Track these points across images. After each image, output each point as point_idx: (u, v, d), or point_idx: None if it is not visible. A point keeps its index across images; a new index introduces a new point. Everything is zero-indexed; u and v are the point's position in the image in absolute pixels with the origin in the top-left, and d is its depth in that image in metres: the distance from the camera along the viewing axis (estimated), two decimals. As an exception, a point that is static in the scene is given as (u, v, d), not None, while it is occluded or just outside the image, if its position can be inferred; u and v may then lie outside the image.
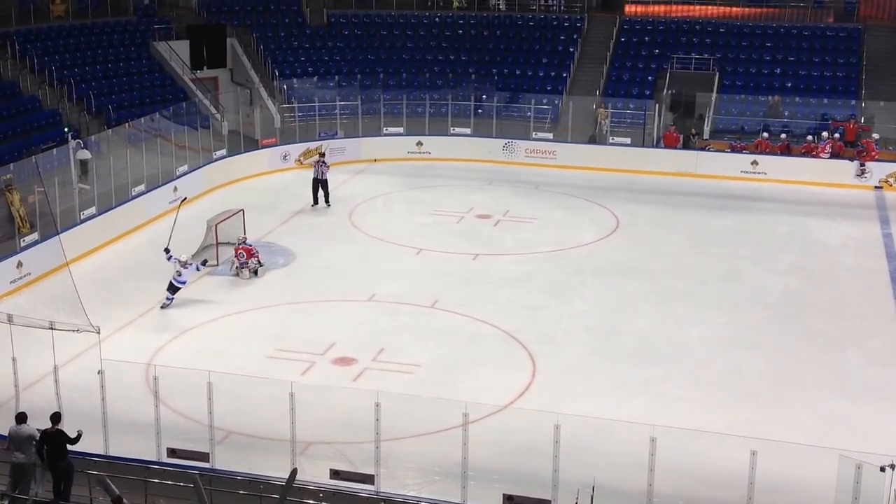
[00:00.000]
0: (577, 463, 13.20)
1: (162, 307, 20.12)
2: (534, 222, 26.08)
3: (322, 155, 27.16)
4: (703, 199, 28.05)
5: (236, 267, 21.86)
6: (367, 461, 13.61)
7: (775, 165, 29.69)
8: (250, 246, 22.13)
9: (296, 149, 31.21)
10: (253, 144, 31.11)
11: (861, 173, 28.92)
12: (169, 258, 20.54)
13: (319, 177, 26.71)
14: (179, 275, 20.27)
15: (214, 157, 29.25)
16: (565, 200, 28.07)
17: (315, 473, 13.69)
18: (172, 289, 20.27)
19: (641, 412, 15.38)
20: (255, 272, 21.92)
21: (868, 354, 18.22)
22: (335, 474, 13.42)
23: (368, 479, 13.41)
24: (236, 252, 21.98)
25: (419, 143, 32.20)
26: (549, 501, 12.89)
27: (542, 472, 13.09)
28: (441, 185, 29.62)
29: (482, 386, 16.79)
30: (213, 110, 32.15)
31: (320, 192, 26.79)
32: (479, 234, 25.28)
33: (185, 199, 23.56)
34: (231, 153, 29.96)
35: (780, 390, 16.79)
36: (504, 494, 13.01)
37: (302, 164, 30.98)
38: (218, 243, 22.53)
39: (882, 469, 11.56)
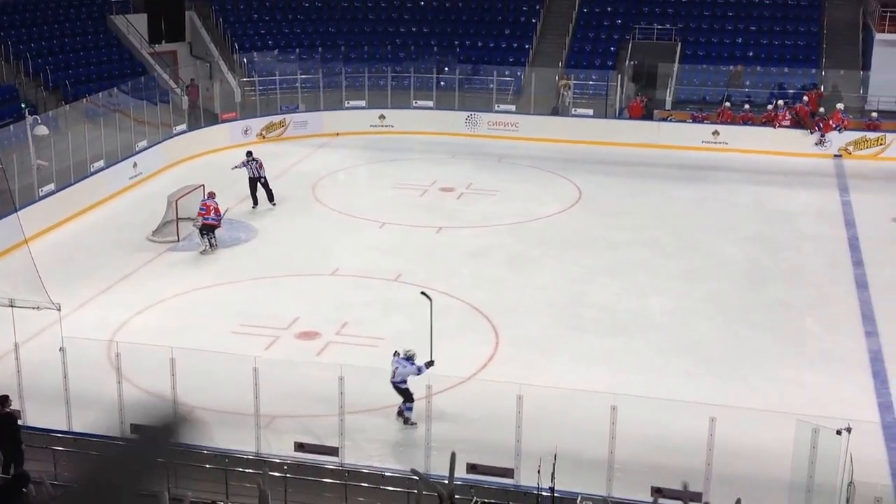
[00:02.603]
0: (539, 432, 13.30)
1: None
2: (497, 195, 26.12)
3: (250, 154, 24.89)
4: (665, 169, 28.22)
5: (197, 225, 21.61)
6: (331, 434, 13.66)
7: (736, 135, 29.91)
8: (218, 204, 21.94)
9: (257, 123, 30.98)
10: (213, 119, 30.83)
11: (820, 142, 29.20)
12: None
13: (254, 175, 24.45)
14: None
15: (174, 132, 28.97)
16: (528, 173, 28.12)
17: (280, 447, 13.73)
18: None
19: (603, 382, 15.54)
20: (212, 245, 21.79)
21: (826, 321, 18.49)
22: (300, 447, 13.45)
23: (333, 451, 13.45)
24: (202, 206, 21.74)
25: (381, 117, 32.07)
26: (512, 470, 13.00)
27: (505, 441, 13.21)
28: (404, 158, 29.55)
29: (446, 358, 16.77)
30: (173, 84, 31.79)
31: (260, 192, 24.51)
32: (443, 207, 25.28)
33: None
34: (191, 128, 29.67)
35: (739, 358, 17.01)
36: (468, 464, 13.08)
37: (265, 138, 30.77)
38: (178, 219, 22.35)
39: (838, 433, 11.77)
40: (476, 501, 12.11)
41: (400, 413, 14.85)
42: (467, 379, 16.09)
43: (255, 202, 24.59)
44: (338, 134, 31.57)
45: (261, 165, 24.54)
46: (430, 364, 14.75)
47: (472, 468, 13.03)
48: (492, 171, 28.19)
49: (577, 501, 12.05)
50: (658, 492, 12.52)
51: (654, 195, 26.03)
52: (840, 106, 29.98)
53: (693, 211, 24.80)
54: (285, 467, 13.07)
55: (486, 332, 18.02)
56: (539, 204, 25.27)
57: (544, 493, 12.03)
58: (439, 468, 13.36)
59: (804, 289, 20.00)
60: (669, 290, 19.94)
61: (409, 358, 14.90)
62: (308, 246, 22.38)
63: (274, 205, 24.66)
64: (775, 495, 12.68)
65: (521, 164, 28.77)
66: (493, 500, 12.40)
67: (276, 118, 31.26)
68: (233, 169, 24.64)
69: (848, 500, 11.48)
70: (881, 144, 29.16)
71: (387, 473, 13.40)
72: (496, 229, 23.52)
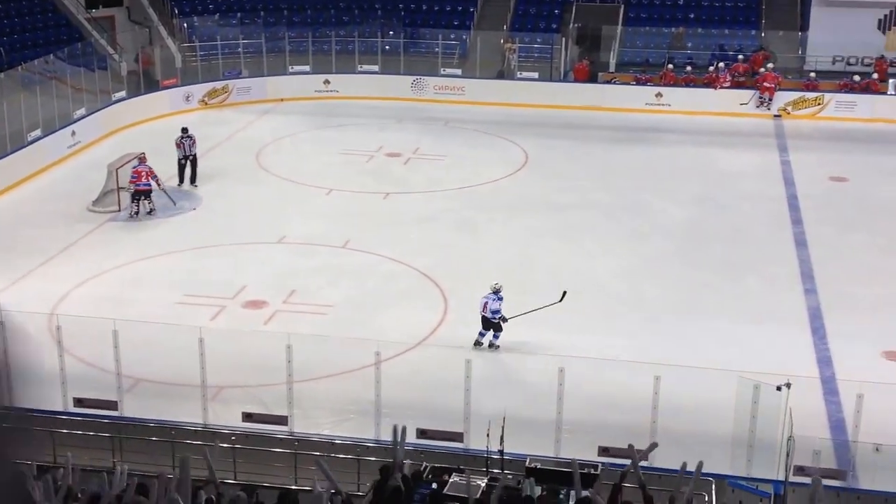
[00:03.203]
0: (489, 396, 13.41)
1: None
2: (444, 159, 26.07)
3: (185, 130, 23.81)
4: (609, 132, 28.36)
5: (130, 191, 21.34)
6: (280, 403, 13.63)
7: (678, 97, 30.13)
8: (151, 168, 21.64)
9: (199, 89, 30.49)
10: (153, 85, 30.28)
11: (760, 104, 29.52)
12: None
13: (187, 153, 23.46)
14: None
15: (113, 99, 28.41)
16: (475, 137, 28.10)
17: (227, 418, 13.68)
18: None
19: (551, 344, 15.68)
20: (150, 210, 21.52)
21: (767, 280, 18.81)
22: (247, 417, 13.42)
23: (282, 420, 13.45)
24: (133, 172, 21.38)
25: (326, 82, 31.75)
26: (462, 434, 13.11)
27: (454, 406, 13.29)
28: (350, 123, 29.33)
29: (395, 324, 16.87)
30: (111, 50, 31.14)
31: (188, 171, 23.62)
32: (390, 172, 25.19)
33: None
34: (131, 95, 29.12)
35: (683, 317, 17.25)
36: (417, 429, 13.16)
37: (207, 104, 30.34)
38: (119, 188, 21.99)
39: (778, 388, 12.04)
40: (426, 467, 12.17)
41: (491, 344, 16.05)
42: (416, 344, 16.14)
43: (181, 180, 23.48)
44: (282, 100, 31.22)
45: (194, 142, 23.59)
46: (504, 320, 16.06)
47: (421, 433, 13.10)
48: (438, 136, 28.12)
49: (527, 463, 12.17)
50: (605, 451, 12.73)
51: (599, 157, 26.17)
52: (770, 65, 30.31)
53: (638, 172, 24.98)
54: (233, 438, 13.04)
55: (434, 298, 18.06)
56: (486, 168, 25.28)
57: (494, 456, 12.19)
58: (388, 434, 13.41)
59: (746, 248, 20.31)
60: (615, 252, 20.13)
61: (497, 292, 16.06)
62: (253, 214, 22.18)
63: (195, 186, 23.47)
64: (719, 450, 12.90)
65: (468, 129, 28.73)
66: (443, 465, 12.47)
67: (219, 84, 30.80)
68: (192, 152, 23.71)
69: (788, 454, 11.76)
70: (819, 104, 29.59)
71: (337, 441, 13.43)
72: (444, 194, 23.50)
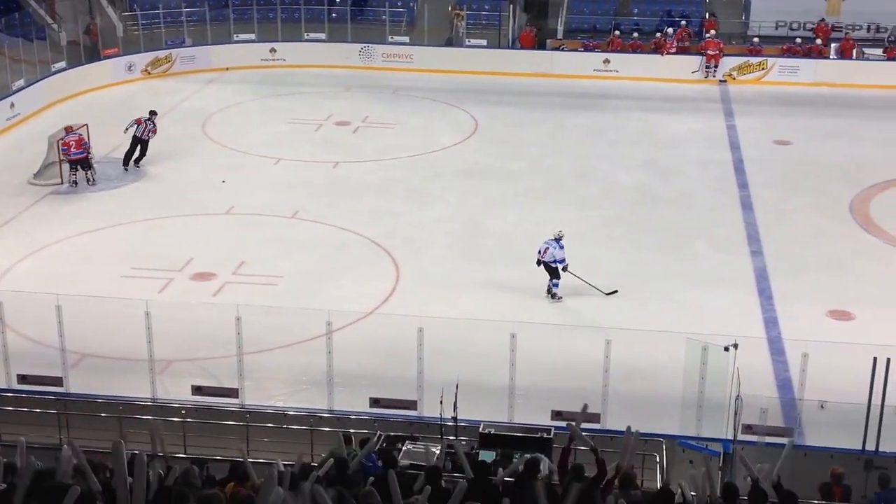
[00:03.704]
0: (442, 364, 13.38)
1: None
2: (393, 127, 25.93)
3: (154, 114, 22.82)
4: (558, 98, 28.38)
5: (63, 161, 20.91)
6: (230, 376, 13.51)
7: (626, 63, 30.20)
8: (80, 135, 21.22)
9: (141, 59, 29.93)
10: (94, 55, 29.64)
11: (707, 74, 29.58)
12: None
13: (142, 136, 22.40)
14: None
15: (53, 69, 27.76)
16: (424, 104, 27.96)
17: (177, 391, 13.54)
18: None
19: (504, 311, 15.71)
20: (89, 180, 21.15)
21: (714, 243, 19.02)
22: (197, 390, 13.29)
23: (233, 392, 13.33)
24: (62, 145, 20.94)
25: (272, 50, 31.34)
26: (415, 402, 13.12)
27: (407, 374, 13.29)
28: (297, 92, 29.02)
29: (347, 294, 16.80)
30: (49, 20, 30.39)
31: (137, 152, 22.59)
32: (339, 141, 24.99)
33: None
34: (71, 65, 28.47)
35: (633, 281, 17.37)
36: (371, 398, 13.17)
37: (150, 74, 29.80)
38: (61, 160, 21.55)
39: (726, 349, 12.21)
40: (380, 435, 12.18)
41: (548, 291, 16.48)
42: (369, 313, 16.08)
43: (127, 161, 22.43)
44: (227, 69, 30.75)
45: (154, 131, 22.61)
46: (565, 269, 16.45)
47: (374, 402, 13.11)
48: (388, 104, 27.93)
49: (480, 429, 12.24)
50: (558, 415, 12.83)
51: (548, 124, 26.18)
52: (712, 32, 30.44)
53: (586, 139, 25.07)
54: (183, 412, 12.92)
55: (386, 267, 18.00)
56: (436, 136, 25.19)
57: (448, 423, 12.23)
58: (341, 405, 13.42)
59: (693, 212, 20.51)
60: (565, 218, 20.11)
61: (559, 239, 16.41)
62: (200, 185, 21.88)
63: (138, 167, 22.48)
64: (669, 412, 13.09)
65: (417, 96, 28.57)
66: (397, 433, 12.48)
67: (162, 53, 30.24)
68: (125, 130, 22.60)
69: (736, 413, 11.94)
70: (763, 69, 29.85)
71: (289, 413, 13.38)
72: (394, 162, 23.39)
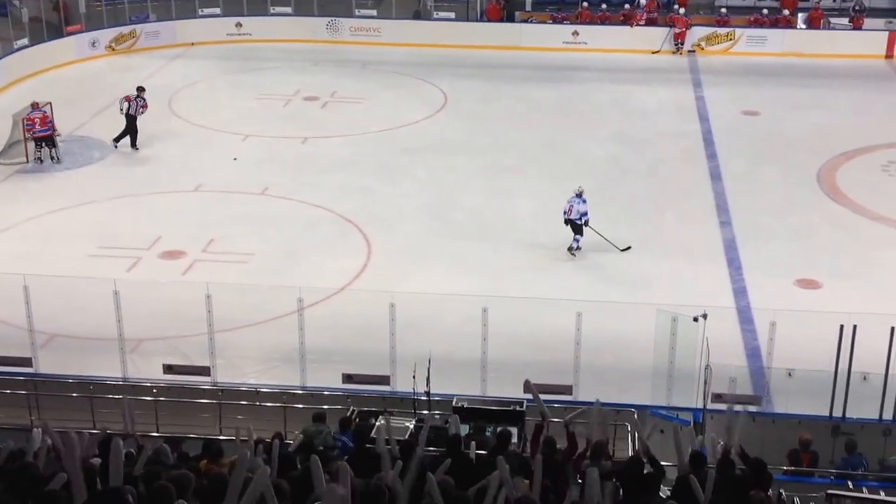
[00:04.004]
0: (414, 339, 13.44)
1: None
2: (362, 102, 25.79)
3: (141, 90, 22.40)
4: (527, 71, 28.33)
5: (28, 139, 20.66)
6: (202, 354, 13.47)
7: (595, 35, 30.17)
8: (44, 113, 20.96)
9: (105, 35, 29.52)
10: (57, 32, 29.19)
11: (677, 50, 29.50)
12: None
13: (134, 113, 22.04)
14: None
15: (15, 46, 27.34)
16: (393, 79, 27.82)
17: (148, 370, 13.48)
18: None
19: (475, 285, 15.73)
20: (53, 157, 20.89)
21: (684, 214, 19.12)
22: (168, 369, 13.25)
23: (204, 371, 13.30)
24: (27, 121, 20.65)
25: (238, 25, 31.01)
26: (388, 377, 13.15)
27: (380, 350, 13.30)
28: (264, 67, 28.77)
29: (318, 271, 16.77)
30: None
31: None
32: (307, 116, 24.84)
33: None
34: (34, 42, 28.03)
35: (604, 254, 17.44)
36: (343, 374, 13.19)
37: (114, 50, 29.42)
38: (26, 138, 21.27)
39: (695, 319, 12.32)
40: (353, 411, 12.21)
41: (570, 248, 17.19)
42: (340, 290, 16.06)
43: (118, 139, 22.08)
44: (192, 44, 30.41)
45: (145, 107, 22.28)
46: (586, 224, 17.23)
47: (347, 378, 13.13)
48: (356, 79, 27.76)
49: (453, 402, 12.28)
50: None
51: (518, 97, 26.14)
52: (682, 10, 30.33)
53: (556, 112, 25.05)
54: (155, 391, 12.88)
55: (357, 243, 17.96)
56: (405, 110, 25.08)
57: (421, 398, 12.27)
58: (314, 381, 13.43)
59: (663, 183, 20.60)
60: (536, 192, 20.21)
61: (580, 195, 17.16)
62: (168, 162, 21.69)
63: (136, 149, 22.15)
64: (640, 382, 13.21)
65: (386, 71, 28.41)
66: (370, 408, 12.51)
67: (126, 29, 29.84)
68: (122, 111, 22.18)
69: (706, 382, 12.07)
70: (731, 39, 29.94)
71: (262, 390, 13.36)
72: (363, 138, 23.28)
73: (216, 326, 13.44)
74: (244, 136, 23.13)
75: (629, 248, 17.38)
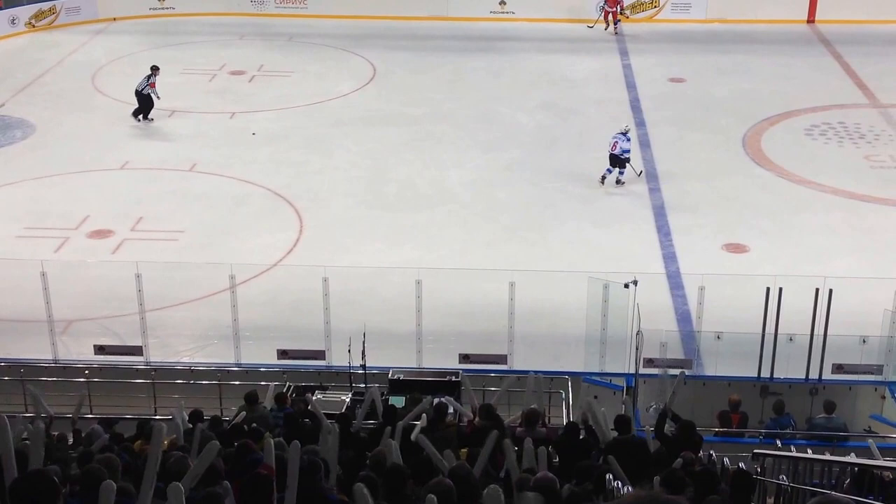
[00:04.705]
0: (348, 313, 13.46)
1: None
2: (290, 76, 25.50)
3: (154, 69, 22.02)
4: (456, 41, 28.26)
5: None
6: (133, 334, 13.31)
7: (522, 4, 30.17)
8: None
9: (24, 12, 28.64)
10: (-27, 8, 28.34)
11: (607, 27, 29.25)
12: None
13: (139, 89, 21.84)
14: None
15: (-71, 24, 26.51)
16: (321, 51, 27.53)
17: (79, 351, 13.29)
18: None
19: (409, 257, 15.77)
20: None
21: (613, 181, 19.31)
22: (100, 350, 13.08)
23: (137, 350, 13.16)
24: None
25: (161, -1, 30.40)
26: (323, 352, 13.15)
27: (315, 325, 13.30)
28: (189, 41, 28.24)
29: (250, 247, 16.63)
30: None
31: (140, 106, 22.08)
32: (235, 90, 24.49)
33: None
34: (-52, 19, 27.21)
35: (536, 223, 17.60)
36: (278, 350, 13.16)
37: (34, 27, 28.63)
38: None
39: (626, 286, 12.53)
40: (289, 386, 12.20)
41: (618, 181, 18.76)
42: (273, 266, 15.96)
43: (137, 114, 21.95)
44: (115, 19, 29.72)
45: (153, 85, 21.84)
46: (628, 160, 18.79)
47: (282, 354, 13.11)
48: (283, 52, 27.43)
49: (389, 375, 12.35)
50: (465, 358, 13.04)
51: (447, 68, 26.09)
52: None
53: (485, 82, 25.07)
54: (87, 372, 12.70)
55: (289, 218, 17.84)
56: (334, 83, 24.88)
57: (357, 371, 12.31)
58: (249, 357, 13.38)
59: (593, 152, 20.68)
60: (468, 162, 20.27)
61: (626, 133, 18.69)
62: (93, 140, 21.24)
63: (145, 120, 22.02)
64: (573, 349, 13.41)
65: (314, 43, 28.11)
66: (306, 383, 12.52)
67: (45, 5, 29.00)
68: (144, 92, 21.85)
69: (637, 348, 12.30)
70: (656, 7, 30.18)
71: (197, 368, 13.28)
72: (292, 111, 23.05)
73: (148, 305, 13.30)
74: (170, 112, 22.73)
75: (642, 172, 19.18)
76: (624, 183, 18.74)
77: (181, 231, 17.22)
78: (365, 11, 29.91)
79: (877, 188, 18.82)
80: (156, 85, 21.91)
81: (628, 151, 18.61)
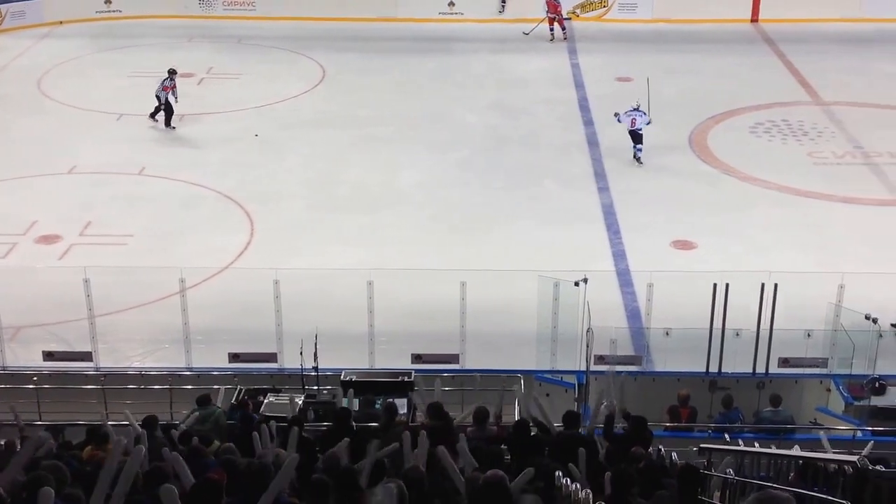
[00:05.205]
0: (300, 315, 13.42)
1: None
2: (239, 78, 25.39)
3: (171, 73, 21.95)
4: (405, 43, 28.30)
5: None
6: (83, 339, 13.18)
7: (471, 5, 30.28)
8: None
9: (-37, 14, 28.26)
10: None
11: (563, 37, 29.16)
12: None
13: (157, 94, 21.80)
14: None
15: None
16: (270, 53, 27.44)
17: (28, 358, 13.14)
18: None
19: (361, 258, 15.76)
20: None
21: (563, 181, 19.52)
22: (49, 356, 12.94)
23: (86, 356, 13.04)
24: None
25: (108, 1, 30.04)
26: (275, 354, 13.13)
27: (266, 327, 13.26)
28: (136, 44, 27.98)
29: (200, 250, 16.55)
30: None
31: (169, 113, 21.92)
32: (184, 93, 24.18)
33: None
34: None
35: (487, 222, 17.70)
36: (230, 353, 13.11)
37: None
38: None
39: (576, 284, 12.66)
40: (240, 390, 12.17)
41: (635, 156, 19.79)
42: (224, 269, 15.89)
43: (161, 119, 21.81)
44: (61, 22, 29.36)
45: (169, 87, 21.65)
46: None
47: (234, 357, 13.06)
48: (232, 54, 27.29)
49: (342, 376, 12.36)
50: (418, 358, 13.10)
51: (396, 69, 26.12)
52: None
53: (434, 83, 25.16)
54: (36, 378, 12.57)
55: (240, 221, 17.77)
56: (284, 85, 24.80)
57: (309, 374, 12.31)
58: (200, 361, 13.31)
59: (542, 151, 20.95)
60: (418, 163, 20.33)
61: (638, 108, 19.69)
62: (39, 144, 20.96)
63: (161, 124, 21.84)
64: (525, 348, 13.51)
65: (263, 45, 27.99)
66: (258, 386, 12.49)
67: (-15, 8, 28.63)
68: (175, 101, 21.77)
69: (588, 345, 12.44)
70: (604, 6, 30.48)
71: (148, 373, 13.19)
72: (243, 114, 22.94)
73: (97, 310, 13.19)
74: (118, 116, 22.54)
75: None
76: (643, 163, 19.78)
77: (130, 235, 17.07)
78: (314, 13, 29.85)
79: (820, 184, 19.20)
80: (170, 88, 21.65)
81: (641, 129, 19.60)
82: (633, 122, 19.70)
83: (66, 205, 18.20)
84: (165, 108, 21.76)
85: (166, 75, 21.90)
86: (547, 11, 28.55)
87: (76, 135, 21.50)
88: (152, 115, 21.97)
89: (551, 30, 28.49)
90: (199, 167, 19.81)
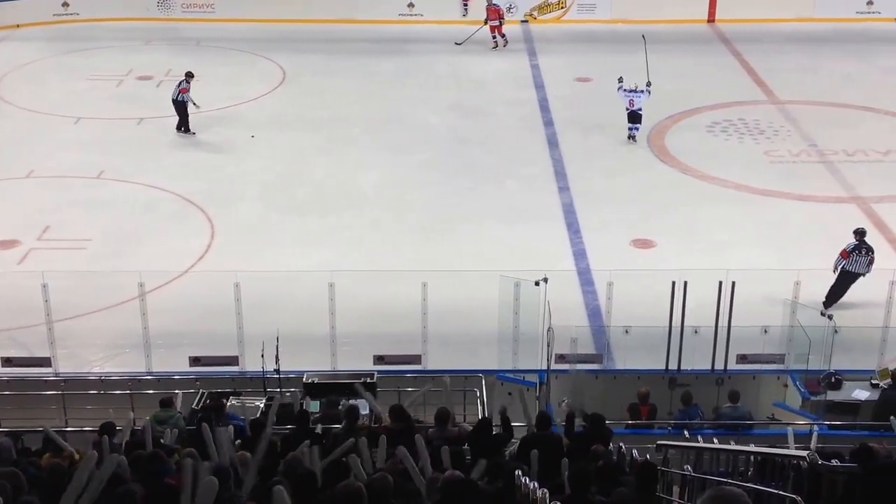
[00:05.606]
0: (261, 318, 13.41)
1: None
2: (199, 80, 25.15)
3: (188, 75, 21.81)
4: (365, 44, 28.25)
5: None
6: (41, 344, 13.08)
7: (431, 6, 30.32)
8: None
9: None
10: None
11: (495, 45, 28.76)
12: None
13: (174, 97, 21.59)
14: None
15: None
16: (230, 55, 27.31)
17: (-15, 366, 13.00)
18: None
19: (322, 260, 15.74)
20: None
21: (524, 181, 19.63)
22: (7, 362, 12.83)
23: (45, 362, 12.93)
24: None
25: (65, 4, 29.73)
26: (237, 357, 13.10)
27: (228, 330, 13.22)
28: (94, 47, 27.72)
29: (160, 253, 16.46)
30: None
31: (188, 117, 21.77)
32: (142, 96, 24.14)
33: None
34: None
35: (448, 223, 17.76)
36: (190, 357, 13.06)
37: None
38: None
39: (536, 283, 12.76)
40: (202, 394, 12.13)
41: (631, 136, 20.70)
42: (184, 272, 15.82)
43: (184, 128, 21.59)
44: (18, 26, 29.01)
45: (184, 90, 21.46)
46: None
47: (195, 361, 13.02)
48: (191, 56, 27.06)
49: (304, 379, 12.37)
50: (380, 359, 13.13)
51: (357, 71, 26.08)
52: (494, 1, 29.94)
53: (395, 84, 25.17)
54: (-7, 385, 12.45)
55: (200, 223, 17.69)
56: (244, 87, 24.70)
57: (271, 376, 12.31)
58: (161, 366, 13.25)
59: (502, 151, 21.03)
60: (379, 164, 20.35)
61: (636, 89, 20.44)
62: (-5, 148, 20.76)
63: (193, 133, 21.63)
64: (486, 348, 13.59)
65: (222, 47, 27.85)
66: (220, 390, 12.45)
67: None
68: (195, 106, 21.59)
69: (549, 344, 12.54)
70: (562, 7, 30.65)
71: (108, 378, 13.10)
72: (202, 116, 22.74)
73: (56, 315, 13.11)
74: (76, 119, 22.35)
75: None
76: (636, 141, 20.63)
77: (89, 239, 16.95)
78: (273, 15, 29.72)
79: (777, 182, 19.46)
80: (188, 91, 21.43)
81: (641, 108, 20.41)
82: (631, 103, 20.41)
83: (23, 209, 18.03)
84: (182, 112, 21.53)
85: (182, 78, 21.73)
86: (487, 19, 28.15)
87: (34, 139, 21.28)
88: (183, 129, 21.59)
89: (494, 37, 28.15)
90: (159, 170, 19.70)
